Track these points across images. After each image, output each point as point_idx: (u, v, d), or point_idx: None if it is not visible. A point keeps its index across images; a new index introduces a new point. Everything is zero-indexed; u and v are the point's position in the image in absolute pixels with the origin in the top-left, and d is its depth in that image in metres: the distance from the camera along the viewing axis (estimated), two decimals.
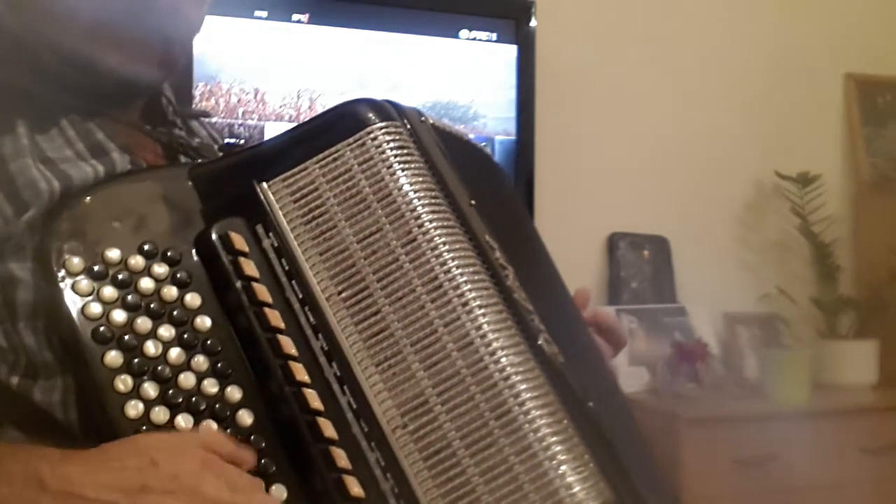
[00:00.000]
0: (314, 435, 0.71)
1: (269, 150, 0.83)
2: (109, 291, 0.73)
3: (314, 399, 0.72)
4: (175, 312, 0.74)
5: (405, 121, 0.80)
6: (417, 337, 0.73)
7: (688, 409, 2.31)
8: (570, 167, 2.57)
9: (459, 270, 0.75)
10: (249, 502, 0.68)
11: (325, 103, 2.23)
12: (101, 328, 0.71)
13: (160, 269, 0.75)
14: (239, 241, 0.76)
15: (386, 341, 0.74)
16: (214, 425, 0.72)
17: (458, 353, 0.72)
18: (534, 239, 0.97)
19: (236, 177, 0.80)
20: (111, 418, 0.69)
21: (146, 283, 0.74)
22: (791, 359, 2.49)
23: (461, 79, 2.39)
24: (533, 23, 2.46)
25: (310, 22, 2.26)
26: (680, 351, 2.47)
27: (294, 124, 1.14)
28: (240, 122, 2.19)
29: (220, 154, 0.93)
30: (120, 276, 0.73)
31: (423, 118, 0.83)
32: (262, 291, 0.75)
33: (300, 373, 0.73)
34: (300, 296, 0.76)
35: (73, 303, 0.72)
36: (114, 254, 0.74)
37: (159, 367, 0.72)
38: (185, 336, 0.74)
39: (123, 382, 0.70)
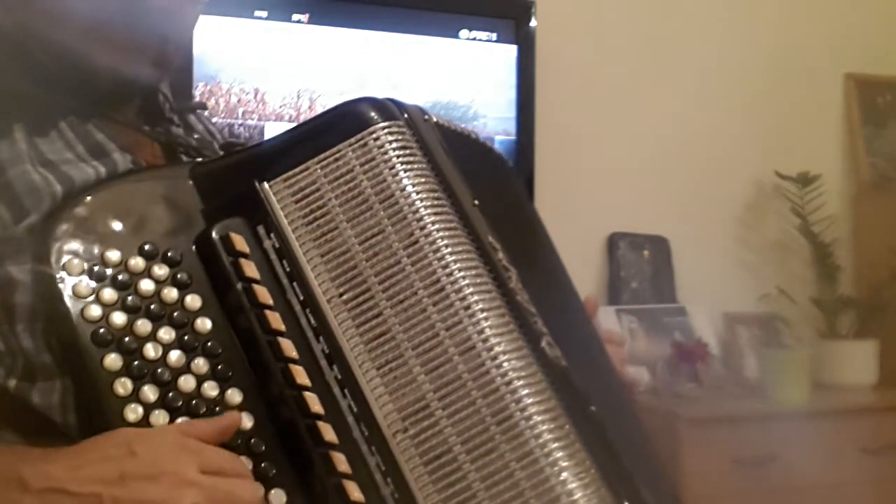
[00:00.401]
0: (314, 439, 0.71)
1: (270, 149, 0.82)
2: (109, 293, 0.72)
3: (314, 402, 0.72)
4: (175, 314, 0.74)
5: (408, 120, 0.79)
6: (419, 340, 0.73)
7: (688, 409, 2.31)
8: (570, 167, 2.57)
9: (462, 273, 0.74)
10: (231, 483, 0.68)
11: (325, 103, 2.23)
12: (101, 330, 0.71)
13: (160, 270, 0.74)
14: (240, 242, 0.76)
15: (387, 344, 0.73)
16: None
17: (459, 357, 0.72)
18: (540, 237, 0.96)
19: (237, 176, 0.79)
20: (111, 422, 0.69)
21: (146, 285, 0.74)
22: (791, 359, 2.49)
23: (461, 79, 2.39)
24: (533, 23, 2.46)
25: (310, 22, 2.25)
26: (680, 351, 2.46)
27: (294, 124, 1.13)
28: (240, 122, 2.18)
29: (219, 149, 0.93)
30: (120, 278, 0.73)
31: (426, 116, 0.83)
32: (263, 293, 0.75)
33: (301, 376, 0.72)
34: (301, 298, 0.75)
35: (72, 305, 0.71)
36: (114, 255, 0.74)
37: (159, 370, 0.71)
38: (186, 338, 0.73)
39: (123, 386, 0.70)
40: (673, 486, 0.95)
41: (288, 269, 0.76)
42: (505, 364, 0.72)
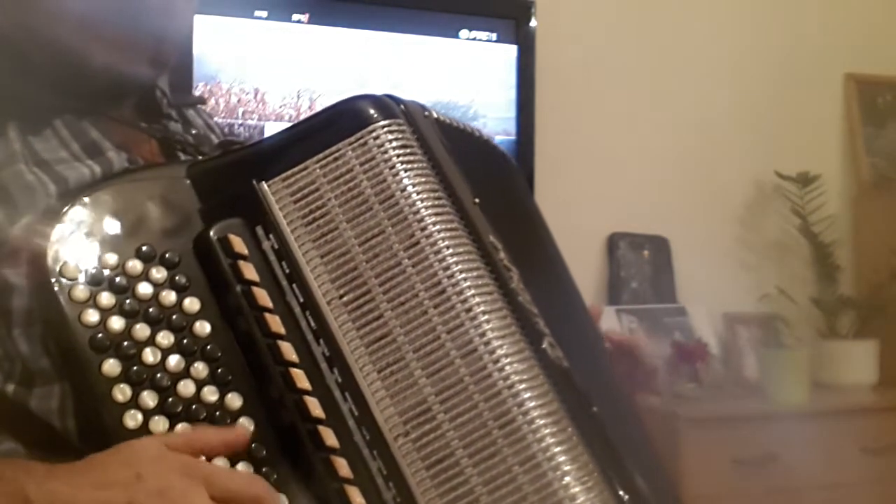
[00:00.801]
0: (315, 443, 0.70)
1: (269, 148, 0.81)
2: (107, 297, 0.71)
3: (315, 407, 0.71)
4: (174, 318, 0.73)
5: (408, 117, 0.78)
6: (420, 343, 0.72)
7: (688, 409, 2.31)
8: (570, 167, 2.56)
9: (463, 275, 0.74)
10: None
11: (324, 103, 2.21)
12: (99, 336, 0.70)
13: (158, 273, 0.74)
14: (238, 244, 0.75)
15: (388, 347, 0.73)
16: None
17: (461, 361, 0.72)
18: (542, 236, 0.96)
19: (235, 176, 0.78)
20: (110, 429, 0.68)
21: (144, 288, 0.73)
22: (791, 359, 2.48)
23: (461, 79, 2.39)
24: (533, 23, 2.46)
25: (310, 22, 2.25)
26: (680, 351, 2.46)
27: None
28: (240, 122, 2.18)
29: (217, 147, 0.92)
30: (117, 281, 0.72)
31: (426, 113, 0.82)
32: (262, 296, 0.74)
33: (301, 380, 0.72)
34: (301, 300, 0.74)
35: (69, 310, 0.70)
36: (111, 258, 0.73)
37: (158, 376, 0.71)
38: (185, 342, 0.72)
39: (122, 392, 0.69)
40: (674, 487, 0.95)
41: (287, 271, 0.75)
42: (507, 367, 0.72)
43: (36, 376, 0.73)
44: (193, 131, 0.95)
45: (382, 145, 0.75)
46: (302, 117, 2.21)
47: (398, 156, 0.76)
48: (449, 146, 0.81)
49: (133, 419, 0.69)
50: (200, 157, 0.87)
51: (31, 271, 0.72)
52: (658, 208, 2.68)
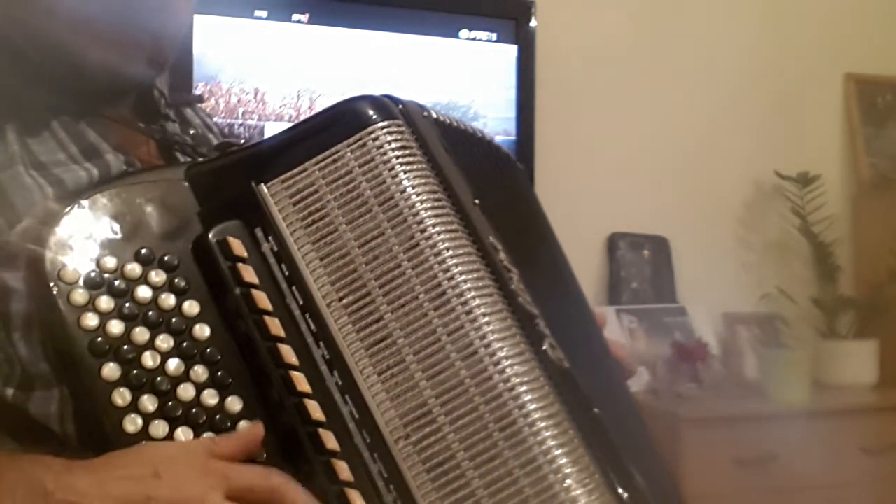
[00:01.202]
0: (316, 447, 0.70)
1: (268, 149, 0.81)
2: (106, 301, 0.71)
3: (315, 410, 0.71)
4: (173, 321, 0.72)
5: (407, 118, 0.78)
6: (420, 346, 0.72)
7: (688, 409, 2.31)
8: (570, 167, 2.56)
9: (463, 276, 0.73)
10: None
11: (324, 103, 2.22)
12: (98, 340, 0.70)
13: (157, 276, 0.73)
14: (237, 247, 0.75)
15: (388, 349, 0.72)
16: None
17: (461, 363, 0.71)
18: (544, 236, 0.95)
19: (234, 177, 0.78)
20: (109, 433, 0.68)
21: (143, 292, 0.72)
22: (791, 359, 2.49)
23: (461, 79, 2.39)
24: (533, 23, 2.45)
25: (310, 22, 2.25)
26: (680, 351, 2.46)
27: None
28: (240, 122, 2.18)
29: (215, 148, 0.91)
30: (116, 284, 0.72)
31: (425, 113, 0.81)
32: (262, 299, 0.74)
33: (301, 383, 0.71)
34: (301, 302, 0.74)
35: (68, 314, 0.70)
36: (110, 261, 0.72)
37: (157, 380, 0.70)
38: (184, 345, 0.72)
39: (121, 396, 0.69)
40: (677, 487, 0.95)
41: (287, 273, 0.75)
42: (507, 369, 0.71)
43: (35, 380, 0.72)
44: (192, 131, 0.95)
45: (381, 147, 0.75)
46: (302, 117, 2.21)
47: (397, 157, 0.75)
48: (448, 146, 0.80)
49: (133, 423, 0.69)
50: (199, 159, 0.86)
51: (30, 275, 0.72)
52: (658, 208, 2.68)
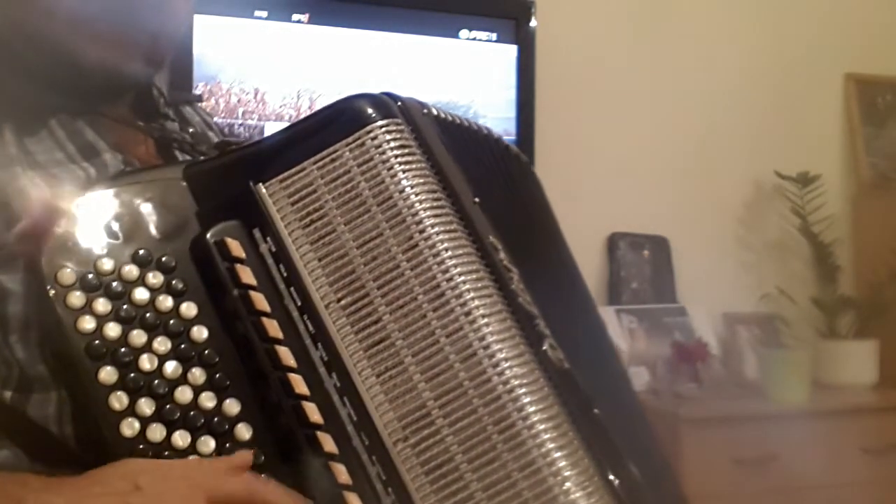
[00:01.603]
0: (314, 449, 0.70)
1: (266, 149, 0.80)
2: (103, 304, 0.71)
3: (313, 412, 0.70)
4: (171, 323, 0.72)
5: (406, 116, 0.77)
6: (419, 347, 0.72)
7: (688, 409, 2.31)
8: (570, 167, 2.56)
9: (462, 277, 0.73)
10: None
11: (324, 103, 2.21)
12: (95, 343, 0.70)
13: (155, 278, 0.73)
14: (235, 248, 0.74)
15: (387, 351, 0.72)
16: (212, 442, 0.70)
17: (460, 365, 0.71)
18: (548, 232, 0.95)
19: (232, 177, 0.77)
20: (107, 437, 0.68)
21: (141, 294, 0.72)
22: (791, 359, 2.48)
23: (461, 79, 2.38)
24: (533, 23, 2.45)
25: (310, 22, 2.24)
26: (680, 351, 2.46)
27: None
28: (240, 122, 2.18)
29: (214, 147, 0.90)
30: (113, 286, 0.71)
31: (425, 110, 0.81)
32: (260, 300, 0.73)
33: (299, 385, 0.71)
34: (299, 303, 0.74)
35: (65, 317, 0.70)
36: (107, 263, 0.72)
37: (155, 382, 0.70)
38: (182, 348, 0.72)
39: (119, 400, 0.69)
40: (678, 487, 0.95)
41: (285, 274, 0.74)
42: (506, 371, 0.71)
43: (33, 383, 0.72)
44: (191, 129, 0.94)
45: (380, 146, 0.75)
46: (302, 117, 2.20)
47: (396, 156, 0.75)
48: (448, 143, 0.80)
49: (130, 427, 0.68)
50: (197, 159, 0.86)
51: (27, 277, 0.72)
52: (658, 208, 2.68)
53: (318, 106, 2.23)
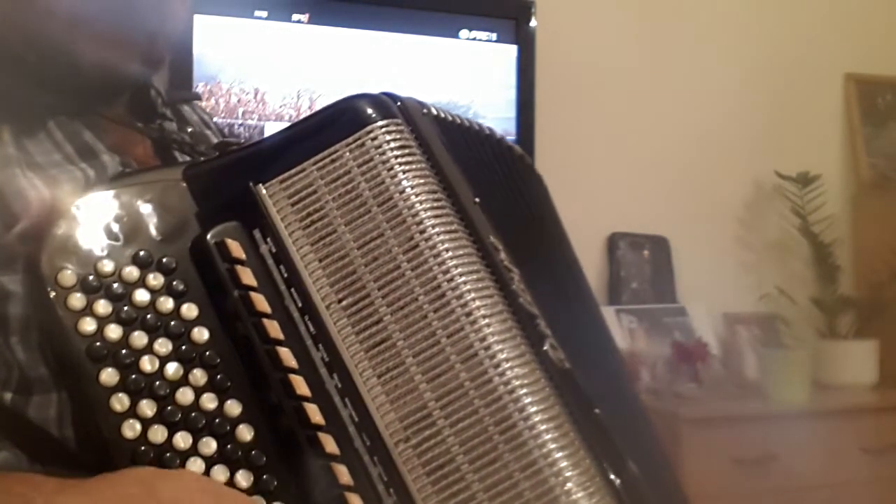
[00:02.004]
0: (315, 450, 0.70)
1: (266, 149, 0.80)
2: (103, 305, 0.70)
3: (315, 413, 0.70)
4: (171, 325, 0.72)
5: (406, 116, 0.77)
6: (420, 348, 0.72)
7: (688, 409, 2.31)
8: (570, 167, 2.56)
9: (463, 278, 0.73)
10: None
11: (324, 104, 2.21)
12: (96, 345, 0.69)
13: (155, 280, 0.73)
14: (236, 249, 0.74)
15: (388, 352, 0.72)
16: (213, 443, 0.70)
17: (461, 365, 0.71)
18: (550, 232, 0.94)
19: (232, 178, 0.77)
20: (108, 438, 0.67)
21: (141, 295, 0.72)
22: (791, 359, 2.49)
23: (461, 79, 2.39)
24: (533, 23, 2.45)
25: (310, 22, 2.25)
26: (680, 351, 2.46)
27: None
28: (240, 122, 2.18)
29: (214, 147, 0.90)
30: (114, 288, 0.71)
31: (425, 110, 0.81)
32: (261, 301, 0.73)
33: (300, 386, 0.71)
34: (299, 304, 0.73)
35: (66, 319, 0.69)
36: (107, 264, 0.72)
37: (156, 384, 0.70)
38: (183, 349, 0.71)
39: (120, 402, 0.68)
40: (680, 487, 0.95)
41: (285, 275, 0.74)
42: (507, 371, 0.71)
43: (34, 384, 0.72)
44: (189, 129, 0.94)
45: (380, 146, 0.74)
46: (302, 117, 2.20)
47: (396, 157, 0.74)
48: (449, 144, 0.80)
49: (131, 429, 0.68)
50: (197, 160, 0.86)
51: (27, 279, 0.72)
52: (658, 208, 2.68)
53: (318, 106, 2.23)
